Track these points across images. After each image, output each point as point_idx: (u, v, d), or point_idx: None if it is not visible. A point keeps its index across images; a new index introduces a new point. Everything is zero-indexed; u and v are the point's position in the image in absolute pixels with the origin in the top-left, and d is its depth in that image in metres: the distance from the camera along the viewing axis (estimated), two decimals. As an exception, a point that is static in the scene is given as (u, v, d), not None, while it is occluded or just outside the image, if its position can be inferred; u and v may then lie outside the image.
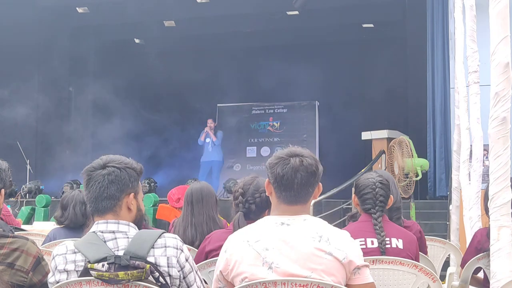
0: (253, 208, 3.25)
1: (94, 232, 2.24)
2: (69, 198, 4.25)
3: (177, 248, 2.24)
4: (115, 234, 2.22)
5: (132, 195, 2.30)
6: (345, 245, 2.30)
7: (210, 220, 3.99)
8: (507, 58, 2.61)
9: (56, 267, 2.20)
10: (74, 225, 4.19)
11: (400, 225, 3.52)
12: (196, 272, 2.35)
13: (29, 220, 10.36)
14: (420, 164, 9.73)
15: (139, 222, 2.35)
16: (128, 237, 2.21)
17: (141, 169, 2.35)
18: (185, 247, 2.30)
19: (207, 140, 12.87)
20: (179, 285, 2.25)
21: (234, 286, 2.29)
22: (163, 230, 2.31)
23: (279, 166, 2.31)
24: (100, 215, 2.26)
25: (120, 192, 2.27)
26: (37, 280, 2.25)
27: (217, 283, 2.38)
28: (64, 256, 2.20)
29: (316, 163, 2.36)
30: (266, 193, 2.43)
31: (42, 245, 3.97)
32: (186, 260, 2.27)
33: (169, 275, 2.20)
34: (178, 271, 2.23)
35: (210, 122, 12.95)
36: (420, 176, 9.74)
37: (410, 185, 9.61)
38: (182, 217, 4.10)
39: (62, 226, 4.28)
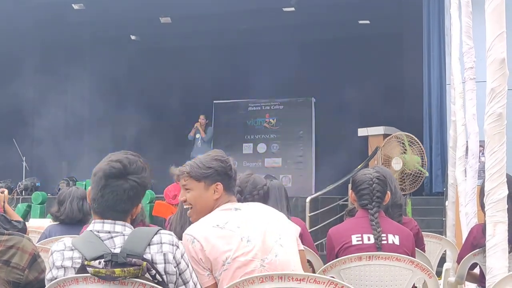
0: None
1: (91, 231, 2.24)
2: (66, 194, 4.25)
3: (172, 245, 2.24)
4: (111, 234, 2.22)
5: (139, 205, 2.32)
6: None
7: None
8: (503, 54, 2.61)
9: (54, 263, 2.20)
10: (70, 221, 4.19)
11: (400, 221, 3.52)
12: (192, 268, 2.36)
13: (25, 217, 10.33)
14: (417, 160, 9.73)
15: (133, 223, 2.35)
16: (124, 235, 2.22)
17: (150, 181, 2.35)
18: (181, 243, 2.31)
19: (197, 135, 12.93)
20: (176, 281, 2.25)
21: (216, 269, 2.42)
22: (159, 227, 2.31)
23: (233, 164, 2.72)
24: (104, 219, 2.25)
25: (133, 206, 2.28)
26: (33, 278, 2.25)
27: (203, 271, 2.44)
28: (61, 253, 2.20)
29: None
30: (215, 197, 2.60)
31: (37, 242, 3.97)
32: (182, 256, 2.27)
33: (166, 272, 2.21)
34: (175, 267, 2.23)
35: (201, 118, 13.01)
36: (427, 173, 9.74)
37: (418, 181, 9.60)
38: (179, 213, 4.10)
39: (58, 223, 4.27)
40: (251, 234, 2.48)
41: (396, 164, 9.64)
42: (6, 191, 4.88)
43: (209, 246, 2.40)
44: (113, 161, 2.24)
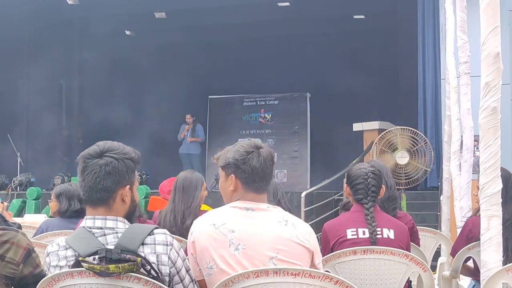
0: None
1: (83, 227, 2.23)
2: (74, 190, 4.25)
3: (166, 245, 2.22)
4: (103, 230, 2.20)
5: (128, 187, 2.26)
6: (309, 235, 2.42)
7: (187, 210, 4.09)
8: (497, 48, 2.61)
9: (50, 263, 2.21)
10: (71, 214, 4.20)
11: (395, 215, 3.53)
12: (189, 263, 2.37)
13: (20, 213, 10.34)
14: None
15: (132, 214, 2.33)
16: (116, 233, 2.20)
17: (138, 158, 2.30)
18: (175, 241, 2.28)
19: (186, 133, 13.02)
20: (170, 281, 2.23)
21: (202, 269, 2.37)
22: (154, 226, 2.29)
23: (254, 159, 2.43)
24: (93, 206, 2.23)
25: (116, 184, 2.23)
26: (27, 272, 2.25)
27: (195, 265, 2.41)
28: (56, 253, 2.21)
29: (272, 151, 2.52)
30: (231, 188, 2.48)
31: (33, 236, 3.97)
32: (178, 253, 2.25)
33: (159, 271, 2.19)
34: (170, 268, 2.21)
35: (188, 118, 13.02)
36: (429, 169, 9.76)
37: (423, 177, 9.62)
38: (172, 204, 4.20)
39: (57, 216, 4.27)
40: (243, 241, 2.34)
41: (401, 158, 9.61)
42: (5, 204, 4.88)
43: (199, 244, 2.37)
44: (91, 147, 2.27)
